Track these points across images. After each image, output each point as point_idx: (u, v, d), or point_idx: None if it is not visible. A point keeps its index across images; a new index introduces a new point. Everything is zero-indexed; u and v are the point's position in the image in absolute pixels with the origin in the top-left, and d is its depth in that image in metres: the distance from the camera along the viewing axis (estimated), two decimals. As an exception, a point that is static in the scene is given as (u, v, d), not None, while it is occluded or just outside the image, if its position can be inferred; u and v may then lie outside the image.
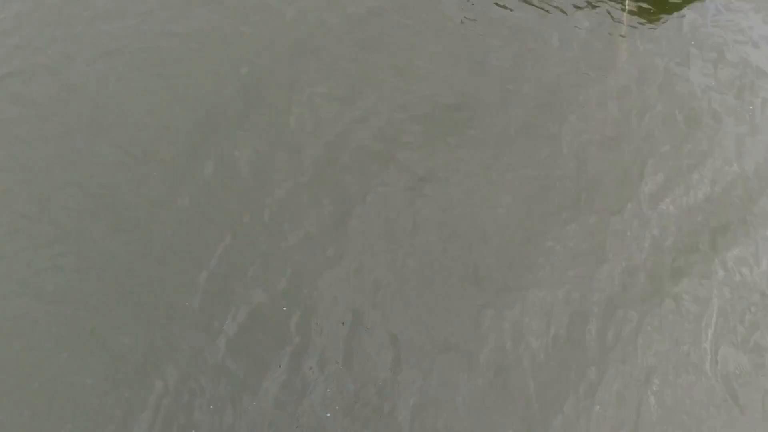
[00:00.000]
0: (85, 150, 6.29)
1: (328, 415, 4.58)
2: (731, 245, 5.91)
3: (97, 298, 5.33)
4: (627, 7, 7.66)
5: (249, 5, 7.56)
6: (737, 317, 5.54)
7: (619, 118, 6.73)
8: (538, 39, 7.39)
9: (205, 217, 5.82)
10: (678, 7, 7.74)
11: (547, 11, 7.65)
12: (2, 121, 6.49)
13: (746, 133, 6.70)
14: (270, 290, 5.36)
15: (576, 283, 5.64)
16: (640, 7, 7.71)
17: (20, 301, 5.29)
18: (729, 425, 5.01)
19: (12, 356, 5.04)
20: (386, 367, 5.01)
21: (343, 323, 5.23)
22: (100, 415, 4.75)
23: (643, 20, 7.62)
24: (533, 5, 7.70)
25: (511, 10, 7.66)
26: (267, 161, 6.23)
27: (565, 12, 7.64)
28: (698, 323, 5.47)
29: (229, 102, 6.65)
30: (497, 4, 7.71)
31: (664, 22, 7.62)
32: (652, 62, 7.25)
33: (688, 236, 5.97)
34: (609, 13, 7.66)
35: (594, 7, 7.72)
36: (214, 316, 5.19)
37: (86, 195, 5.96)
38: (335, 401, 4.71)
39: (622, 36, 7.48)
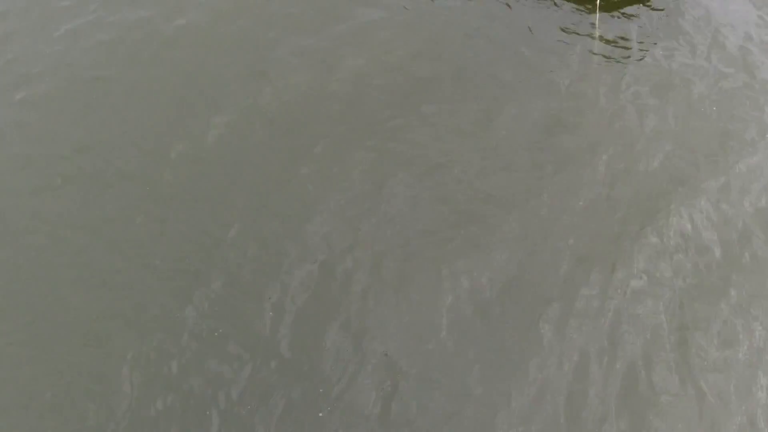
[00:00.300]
0: (81, 145, 6.78)
1: (321, 414, 5.04)
2: (680, 220, 6.30)
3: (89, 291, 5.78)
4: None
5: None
6: (691, 290, 5.91)
7: (576, 105, 7.15)
8: (502, 29, 7.84)
9: (184, 207, 6.32)
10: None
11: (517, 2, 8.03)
12: (11, 123, 6.96)
13: (697, 119, 7.10)
14: (254, 292, 5.78)
15: (536, 265, 6.02)
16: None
17: (24, 296, 5.75)
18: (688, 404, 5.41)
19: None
20: (359, 365, 5.39)
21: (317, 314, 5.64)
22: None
23: (612, 10, 7.96)
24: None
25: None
26: (239, 153, 6.73)
27: (535, 4, 8.01)
28: (658, 299, 5.85)
29: (206, 95, 7.18)
30: None
31: (632, 11, 7.97)
32: (616, 51, 7.63)
33: (639, 214, 6.34)
34: (580, 6, 8.02)
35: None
36: (202, 317, 5.62)
37: (81, 184, 6.49)
38: (322, 402, 5.17)
39: (592, 24, 7.83)
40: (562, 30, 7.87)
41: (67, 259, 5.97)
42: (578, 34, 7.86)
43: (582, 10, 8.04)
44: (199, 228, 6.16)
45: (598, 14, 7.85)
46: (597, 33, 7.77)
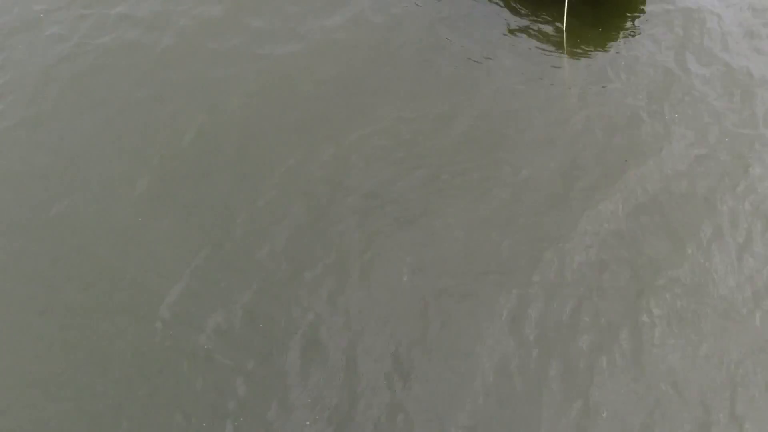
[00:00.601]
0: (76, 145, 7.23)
1: (308, 423, 5.39)
2: (635, 203, 6.67)
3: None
4: (564, 21, 8.19)
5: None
6: (648, 273, 6.24)
7: (537, 103, 7.54)
8: (468, 33, 8.21)
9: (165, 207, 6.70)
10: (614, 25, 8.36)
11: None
12: (9, 139, 7.31)
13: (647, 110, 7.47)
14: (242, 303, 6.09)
15: (498, 249, 6.38)
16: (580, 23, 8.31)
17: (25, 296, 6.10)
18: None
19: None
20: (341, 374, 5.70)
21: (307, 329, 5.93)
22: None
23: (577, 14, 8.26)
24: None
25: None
26: (213, 158, 7.11)
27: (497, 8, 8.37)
28: (615, 279, 6.17)
29: (193, 102, 7.60)
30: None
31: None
32: (577, 51, 8.02)
33: (596, 198, 6.70)
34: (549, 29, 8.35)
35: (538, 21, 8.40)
36: (190, 326, 5.89)
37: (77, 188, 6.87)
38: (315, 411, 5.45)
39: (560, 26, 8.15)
40: (525, 33, 8.23)
41: (66, 258, 6.30)
42: (541, 37, 8.18)
43: (541, 18, 8.37)
44: (187, 227, 6.54)
45: (565, 20, 8.12)
46: (564, 35, 8.09)
